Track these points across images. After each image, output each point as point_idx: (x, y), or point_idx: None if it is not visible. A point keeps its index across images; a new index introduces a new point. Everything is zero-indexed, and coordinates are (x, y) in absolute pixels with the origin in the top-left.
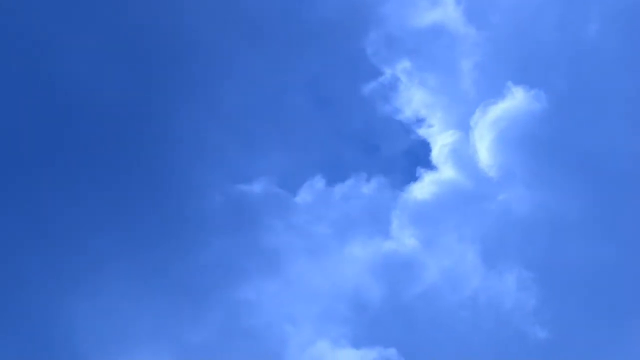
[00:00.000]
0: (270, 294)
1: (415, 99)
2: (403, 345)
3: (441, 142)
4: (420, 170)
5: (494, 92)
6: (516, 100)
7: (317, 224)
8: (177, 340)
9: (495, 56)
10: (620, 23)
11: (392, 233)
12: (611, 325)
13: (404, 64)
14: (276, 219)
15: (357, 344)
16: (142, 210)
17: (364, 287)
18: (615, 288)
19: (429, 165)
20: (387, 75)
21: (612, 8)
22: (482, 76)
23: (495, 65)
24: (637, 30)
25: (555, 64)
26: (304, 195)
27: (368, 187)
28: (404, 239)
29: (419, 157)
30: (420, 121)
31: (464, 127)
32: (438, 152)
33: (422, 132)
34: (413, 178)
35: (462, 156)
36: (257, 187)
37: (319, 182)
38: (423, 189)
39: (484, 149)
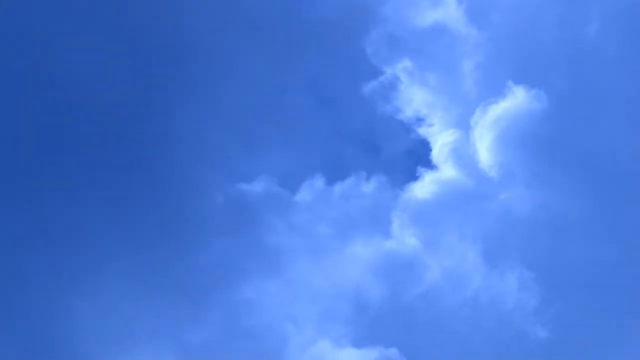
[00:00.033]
0: (271, 294)
1: (415, 99)
2: (404, 345)
3: (441, 141)
4: (420, 169)
5: (495, 92)
6: (517, 99)
7: (318, 224)
8: (177, 340)
9: (496, 56)
10: (620, 23)
11: (393, 233)
12: (612, 325)
13: (405, 64)
14: (276, 218)
15: (358, 343)
16: (142, 210)
17: (364, 286)
18: (616, 288)
19: (429, 165)
20: (387, 75)
21: (612, 8)
22: (483, 76)
23: (496, 65)
24: (637, 30)
25: (556, 63)
26: (305, 195)
27: (368, 187)
28: (405, 239)
29: (419, 156)
30: (420, 121)
31: (465, 126)
32: (438, 152)
33: (422, 131)
34: (413, 177)
35: (463, 156)
36: (257, 187)
37: (319, 182)
38: (423, 188)
39: (485, 149)
